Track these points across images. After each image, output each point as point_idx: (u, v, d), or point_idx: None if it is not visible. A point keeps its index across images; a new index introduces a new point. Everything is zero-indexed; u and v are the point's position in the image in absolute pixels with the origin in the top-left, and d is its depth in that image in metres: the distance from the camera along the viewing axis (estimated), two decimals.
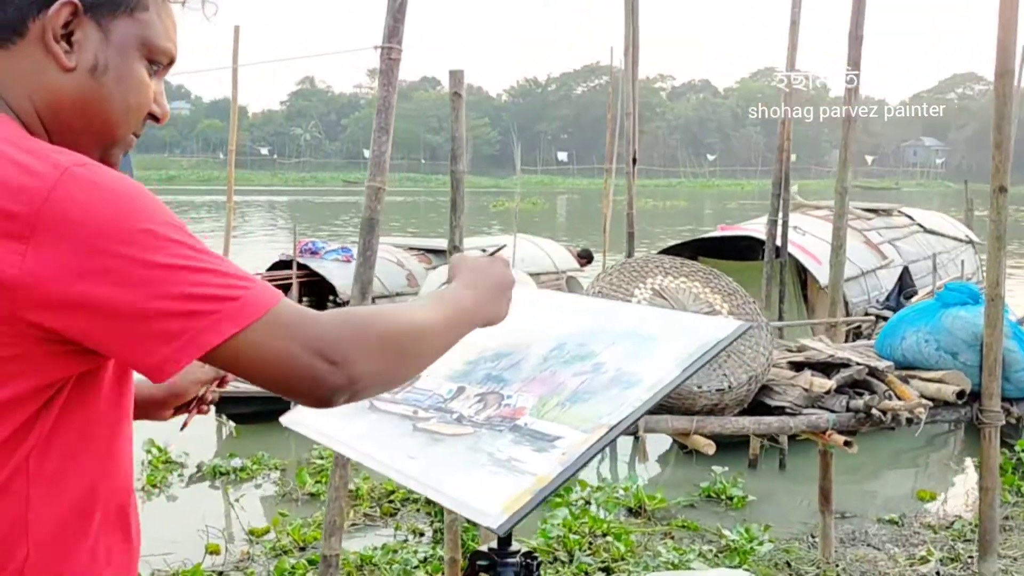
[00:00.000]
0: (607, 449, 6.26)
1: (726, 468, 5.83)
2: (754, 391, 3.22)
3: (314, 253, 8.08)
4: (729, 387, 3.10)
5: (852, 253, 7.06)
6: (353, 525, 5.23)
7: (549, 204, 45.00)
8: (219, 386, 1.40)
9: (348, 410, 1.29)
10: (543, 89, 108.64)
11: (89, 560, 0.99)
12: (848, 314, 6.53)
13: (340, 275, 7.42)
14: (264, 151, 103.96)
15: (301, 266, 7.94)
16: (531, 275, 9.18)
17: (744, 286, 7.24)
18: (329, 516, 2.92)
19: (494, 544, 1.25)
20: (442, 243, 9.15)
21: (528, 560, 1.24)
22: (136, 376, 1.42)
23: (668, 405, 3.10)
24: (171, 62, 1.09)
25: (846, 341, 5.35)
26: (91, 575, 0.99)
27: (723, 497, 5.61)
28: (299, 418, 1.35)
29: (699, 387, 3.07)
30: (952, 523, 5.23)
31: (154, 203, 0.93)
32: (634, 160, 6.87)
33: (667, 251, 7.30)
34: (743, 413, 3.25)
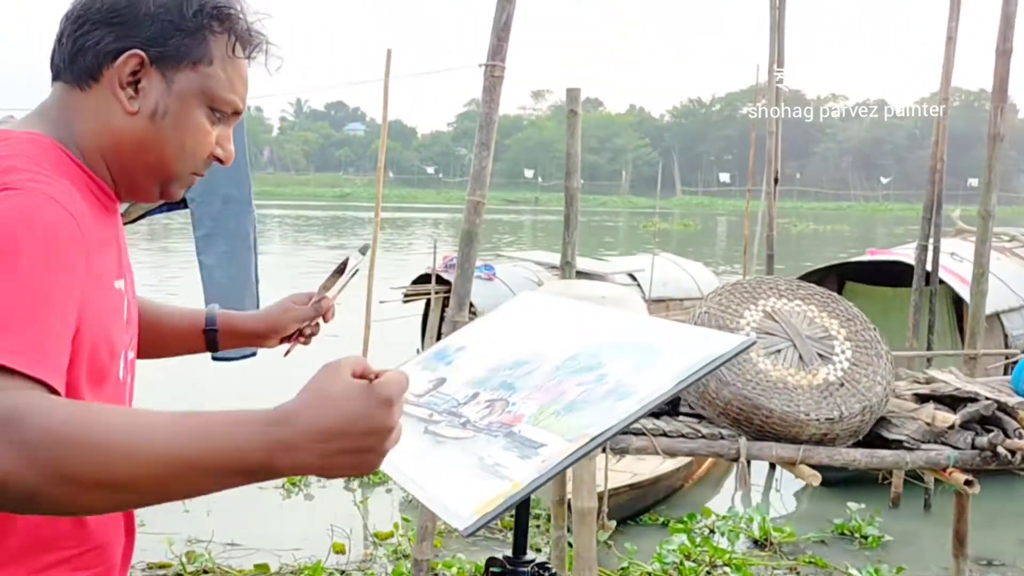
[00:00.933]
0: (742, 479, 6.07)
1: (863, 505, 5.54)
2: (870, 422, 3.05)
3: None
4: (840, 417, 2.95)
5: (1015, 281, 6.56)
6: (473, 534, 5.31)
7: (702, 226, 44.20)
8: (324, 320, 1.53)
9: None
10: (707, 109, 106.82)
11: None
12: (1007, 347, 6.06)
13: (480, 291, 7.57)
14: (430, 170, 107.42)
15: (443, 281, 8.15)
16: (674, 300, 9.05)
17: (894, 314, 6.89)
18: (422, 522, 2.99)
19: (509, 552, 1.26)
20: (587, 264, 9.16)
21: (540, 570, 1.24)
22: (237, 313, 1.55)
23: (773, 432, 2.99)
24: (236, 111, 1.19)
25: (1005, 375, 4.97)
26: None
27: (857, 535, 5.33)
28: None
29: (806, 415, 2.94)
30: None
31: (24, 249, 0.93)
32: (775, 180, 6.67)
33: (811, 275, 7.02)
34: (858, 445, 3.09)
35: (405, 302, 9.04)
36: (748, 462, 6.65)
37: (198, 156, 1.16)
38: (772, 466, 6.95)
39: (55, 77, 1.15)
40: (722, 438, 3.03)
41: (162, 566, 4.78)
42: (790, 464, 3.01)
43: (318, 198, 76.17)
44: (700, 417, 3.22)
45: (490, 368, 1.27)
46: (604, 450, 2.95)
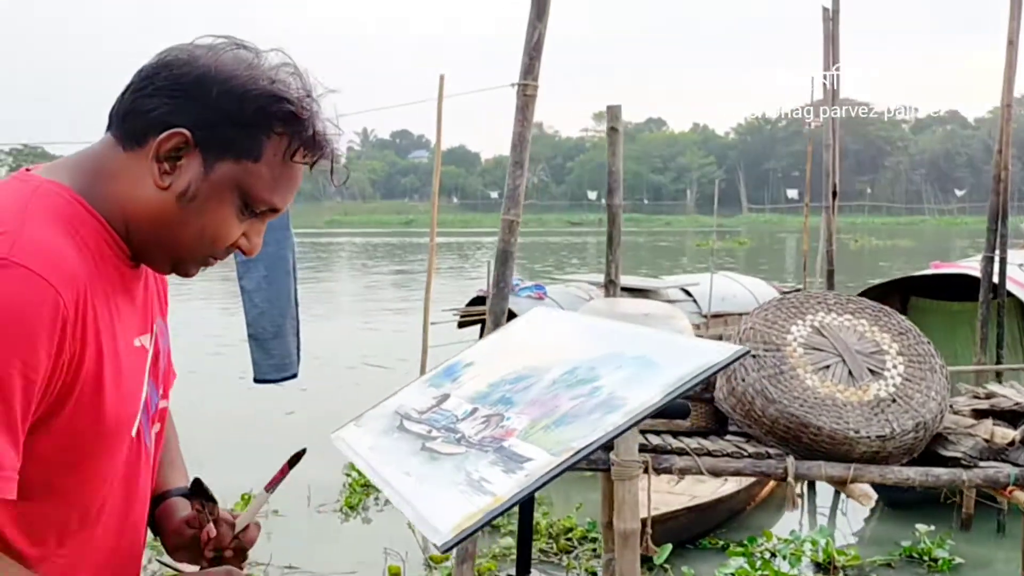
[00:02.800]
0: (791, 500, 5.93)
1: (932, 527, 5.33)
2: (924, 440, 2.94)
3: None
4: (892, 434, 2.85)
5: None
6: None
7: (758, 243, 43.38)
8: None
9: (380, 426, 1.34)
10: (773, 125, 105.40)
11: None
12: None
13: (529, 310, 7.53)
14: (494, 195, 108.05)
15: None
16: (732, 314, 8.89)
17: (961, 328, 6.66)
18: (462, 544, 2.97)
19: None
20: (635, 281, 9.09)
21: None
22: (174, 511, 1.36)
23: (822, 451, 2.91)
24: (275, 212, 1.15)
25: None
26: None
27: (926, 559, 5.13)
28: (341, 433, 1.41)
29: (856, 432, 2.85)
30: None
31: (15, 340, 0.94)
32: (834, 194, 6.54)
33: (872, 290, 6.84)
34: (913, 463, 2.98)
35: (460, 326, 9.07)
36: (811, 484, 6.51)
37: (216, 246, 1.13)
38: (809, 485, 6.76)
39: (108, 127, 1.13)
40: (769, 457, 2.95)
41: None
42: (840, 483, 2.92)
43: (384, 225, 77.19)
44: (748, 436, 3.15)
45: (492, 383, 1.26)
46: (647, 471, 2.90)
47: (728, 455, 2.96)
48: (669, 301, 8.71)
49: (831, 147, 6.28)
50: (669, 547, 4.98)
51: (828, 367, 3.03)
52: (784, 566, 4.90)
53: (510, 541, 5.42)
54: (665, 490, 6.01)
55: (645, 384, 1.07)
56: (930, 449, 3.00)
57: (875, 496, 2.82)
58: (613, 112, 3.57)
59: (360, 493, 6.44)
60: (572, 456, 0.99)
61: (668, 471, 2.94)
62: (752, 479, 6.18)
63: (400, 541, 5.57)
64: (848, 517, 6.37)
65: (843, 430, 2.85)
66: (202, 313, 16.35)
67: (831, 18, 6.19)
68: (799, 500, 6.23)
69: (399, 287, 23.56)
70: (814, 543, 5.18)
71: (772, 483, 6.49)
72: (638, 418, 1.02)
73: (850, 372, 3.02)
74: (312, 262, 34.17)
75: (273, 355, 3.69)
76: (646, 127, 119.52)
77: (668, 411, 1.45)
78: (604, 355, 1.20)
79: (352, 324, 16.47)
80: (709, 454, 2.97)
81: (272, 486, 1.25)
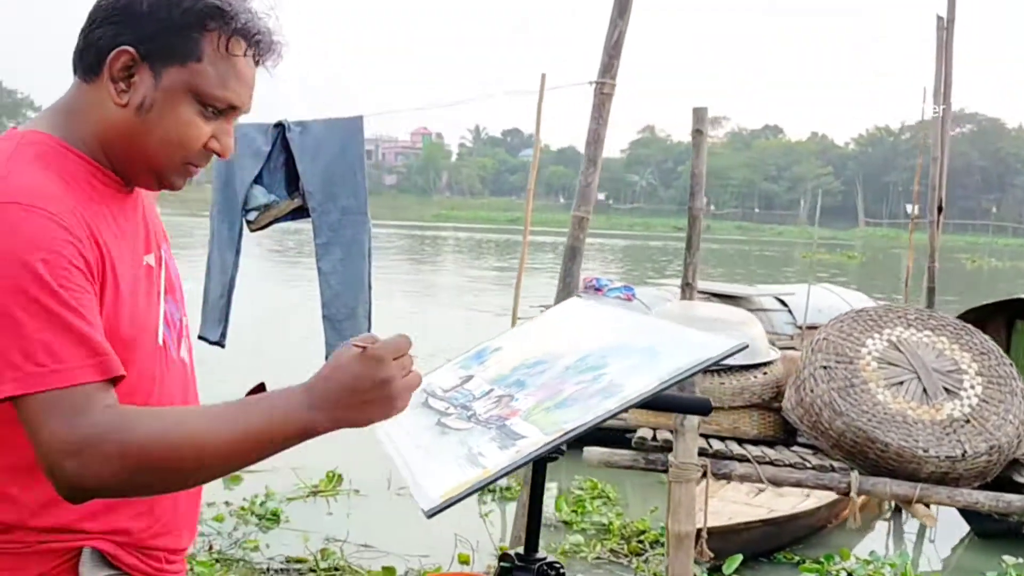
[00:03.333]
0: (854, 515, 5.78)
1: (1021, 560, 5.10)
2: (999, 464, 2.84)
3: (597, 290, 8.31)
4: (963, 455, 2.77)
5: None
6: (598, 559, 5.28)
7: (869, 257, 41.81)
8: None
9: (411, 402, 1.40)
10: (895, 137, 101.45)
11: None
12: None
13: None
14: (601, 196, 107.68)
15: None
16: None
17: None
18: (515, 531, 3.02)
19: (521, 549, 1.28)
20: (728, 287, 8.94)
21: (548, 568, 1.26)
22: None
23: (888, 468, 2.84)
24: (233, 107, 1.22)
25: None
26: None
27: None
28: None
29: (925, 451, 2.78)
30: None
31: (37, 256, 1.05)
32: (939, 209, 6.30)
33: (975, 311, 6.55)
34: (986, 487, 2.88)
35: None
36: (898, 507, 6.28)
37: (187, 148, 1.20)
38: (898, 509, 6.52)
39: (73, 72, 1.23)
40: (833, 470, 2.91)
41: (299, 560, 5.03)
42: (906, 502, 2.85)
43: (491, 222, 77.90)
44: (816, 449, 3.11)
45: (514, 367, 1.31)
46: (706, 476, 2.89)
47: (790, 466, 2.92)
48: (762, 310, 8.55)
49: (938, 160, 6.06)
50: (739, 557, 4.92)
51: (902, 383, 2.96)
52: None
53: (580, 539, 5.45)
54: (743, 501, 5.93)
55: (644, 373, 1.10)
56: (1005, 475, 2.90)
57: (935, 517, 2.73)
58: (699, 115, 3.56)
59: None
60: (562, 436, 1.03)
61: (727, 477, 2.92)
62: (835, 496, 6.05)
63: (472, 530, 5.67)
64: (935, 544, 6.13)
65: (911, 448, 2.78)
66: (286, 294, 16.85)
67: (945, 27, 5.97)
68: (858, 518, 6.02)
69: (497, 283, 23.77)
70: (893, 566, 5.03)
71: (858, 502, 6.33)
72: (628, 404, 1.05)
73: (924, 389, 2.94)
74: (416, 254, 34.80)
75: (345, 335, 3.85)
76: (762, 134, 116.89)
77: (687, 406, 1.47)
78: (616, 345, 1.23)
79: (438, 313, 16.71)
80: (771, 463, 2.94)
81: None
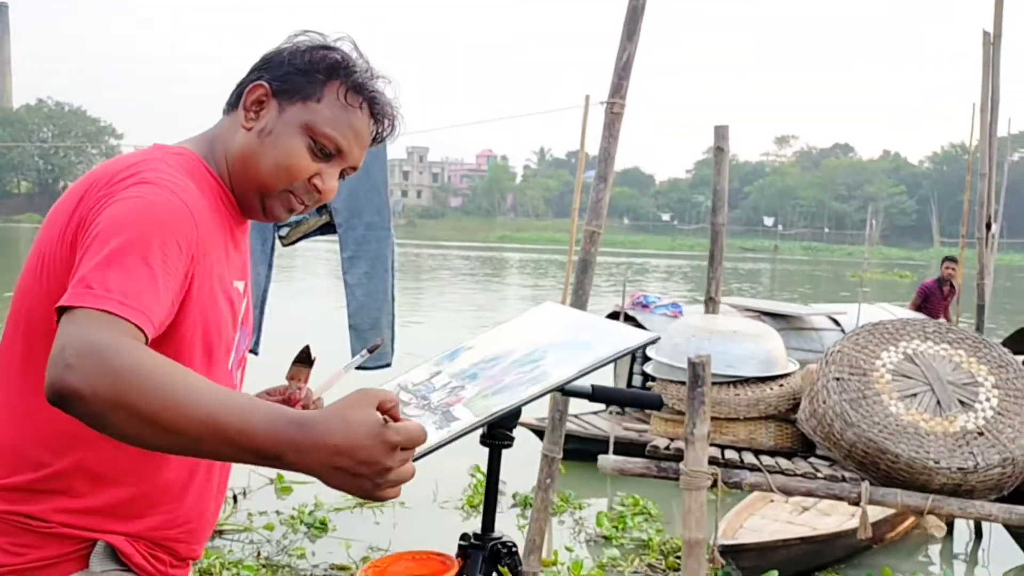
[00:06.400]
0: (863, 525, 5.77)
1: None
2: (1014, 477, 2.84)
3: (644, 307, 8.35)
4: (975, 467, 2.77)
5: None
6: (635, 573, 5.31)
7: (925, 276, 40.70)
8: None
9: None
10: (972, 155, 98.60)
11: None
12: None
13: (664, 329, 7.52)
14: (665, 217, 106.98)
15: (629, 318, 8.25)
16: None
17: None
18: (529, 535, 3.11)
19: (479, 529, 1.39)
20: (778, 306, 8.88)
21: (502, 547, 1.36)
22: None
23: (900, 479, 2.86)
24: (340, 151, 1.37)
25: None
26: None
27: None
28: None
29: (936, 463, 2.79)
30: None
31: (148, 222, 1.17)
32: (988, 226, 6.22)
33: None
34: (1004, 501, 2.88)
35: None
36: (949, 528, 6.21)
37: (292, 174, 1.35)
38: (978, 535, 6.38)
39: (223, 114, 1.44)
40: (844, 480, 2.93)
41: (342, 567, 5.18)
42: (917, 514, 2.86)
43: (555, 242, 78.02)
44: (832, 460, 3.13)
45: (473, 363, 1.42)
46: (716, 484, 2.95)
47: (801, 475, 2.96)
48: (813, 329, 8.48)
49: (986, 176, 5.99)
50: (774, 574, 4.91)
51: (915, 395, 2.98)
52: None
53: (616, 552, 5.50)
54: (786, 519, 5.89)
55: (570, 363, 1.20)
56: (1022, 489, 2.89)
57: (946, 528, 2.72)
58: (720, 132, 3.63)
59: (483, 494, 6.66)
60: (487, 417, 1.13)
61: (738, 486, 2.97)
62: (882, 516, 5.96)
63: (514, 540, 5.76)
64: (989, 569, 6.00)
65: (922, 459, 2.80)
66: (317, 304, 17.23)
67: (991, 43, 5.91)
68: (868, 527, 5.92)
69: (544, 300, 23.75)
70: None
71: (907, 523, 6.22)
72: (549, 389, 1.15)
73: (938, 402, 2.95)
74: (477, 275, 35.06)
75: (368, 344, 4.00)
76: (831, 152, 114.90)
77: (640, 401, 1.55)
78: (561, 341, 1.33)
79: (475, 325, 16.85)
80: (782, 472, 2.98)
81: (350, 367, 1.43)
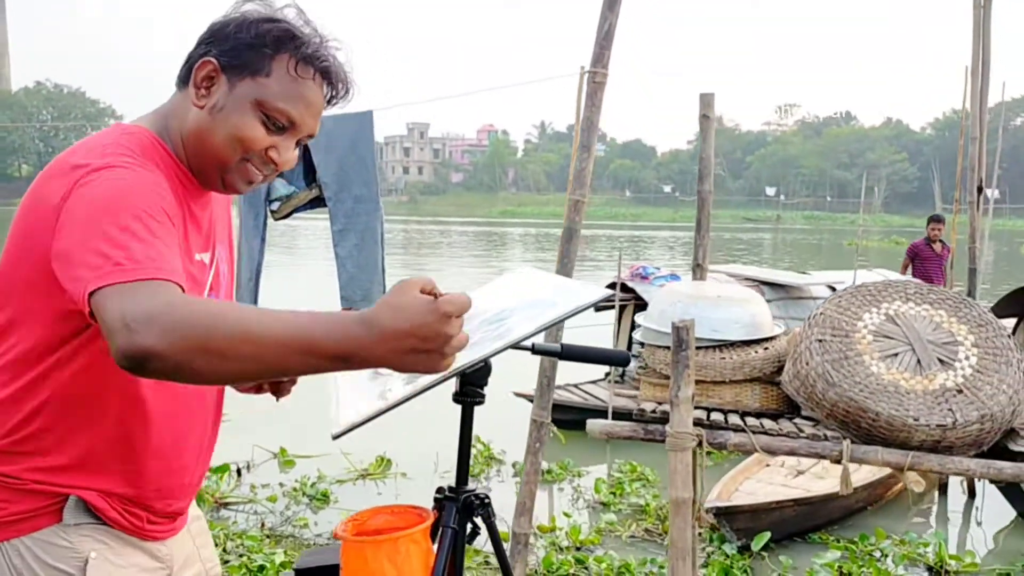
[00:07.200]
0: (844, 482, 5.87)
1: None
2: (992, 433, 2.90)
3: (644, 278, 8.41)
4: (953, 424, 2.83)
5: None
6: (632, 537, 5.41)
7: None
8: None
9: None
10: (964, 119, 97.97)
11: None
12: None
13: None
14: (667, 189, 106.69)
15: (628, 289, 8.31)
16: None
17: None
18: (520, 498, 3.18)
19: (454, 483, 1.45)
20: (779, 275, 8.93)
21: (475, 499, 1.42)
22: None
23: (880, 437, 2.93)
24: (292, 123, 1.39)
25: None
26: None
27: None
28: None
29: (915, 420, 2.85)
30: None
31: (131, 198, 1.22)
32: (979, 190, 6.26)
33: (1015, 293, 6.46)
34: (983, 457, 2.94)
35: (597, 310, 9.31)
36: (942, 489, 6.30)
37: (246, 146, 1.37)
38: (971, 495, 6.47)
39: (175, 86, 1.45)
40: (826, 439, 3.00)
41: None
42: (898, 470, 2.93)
43: (557, 216, 77.86)
44: (816, 421, 3.20)
45: None
46: (701, 445, 3.01)
47: (784, 435, 3.03)
48: (811, 297, 8.54)
49: (976, 140, 6.01)
50: (767, 535, 5.00)
51: (896, 355, 3.04)
52: (891, 566, 4.81)
53: (613, 517, 5.59)
54: (780, 483, 5.99)
55: (532, 321, 1.25)
56: (1002, 444, 2.95)
57: (925, 484, 2.78)
58: (705, 100, 3.67)
59: (483, 464, 6.77)
60: (452, 372, 1.19)
61: (723, 446, 3.04)
62: (876, 477, 6.05)
63: (508, 509, 5.86)
64: (983, 528, 6.10)
65: (901, 417, 2.86)
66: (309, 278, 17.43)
67: (982, 5, 5.91)
68: (850, 482, 6.01)
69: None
70: (926, 545, 5.04)
71: (899, 485, 6.30)
72: (508, 345, 1.20)
73: (918, 361, 3.01)
74: (481, 249, 35.10)
75: None
76: (833, 121, 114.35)
77: (607, 358, 1.61)
78: (529, 301, 1.38)
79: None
80: (765, 432, 3.05)
81: None
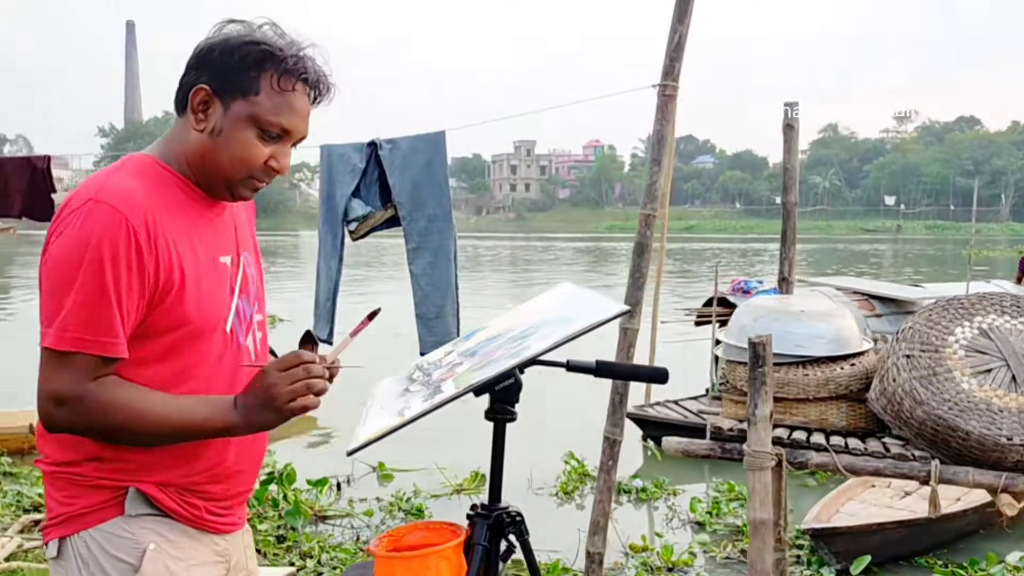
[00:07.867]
0: (932, 503, 5.56)
1: None
2: None
3: (745, 292, 8.22)
4: None
5: None
6: (727, 558, 5.28)
7: None
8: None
9: (404, 374, 1.61)
10: None
11: None
12: None
13: None
14: (779, 200, 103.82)
15: (728, 304, 8.15)
16: None
17: None
18: (593, 517, 3.15)
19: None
20: (889, 289, 8.58)
21: (507, 516, 1.42)
22: None
23: (971, 457, 2.78)
24: (286, 132, 1.52)
25: None
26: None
27: None
28: (381, 381, 1.68)
29: (1009, 439, 2.70)
30: None
31: (101, 252, 1.38)
32: None
33: None
34: None
35: (696, 324, 9.19)
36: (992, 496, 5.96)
37: (249, 164, 1.50)
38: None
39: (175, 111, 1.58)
40: (913, 459, 2.87)
41: None
42: (992, 492, 2.77)
43: (669, 231, 77.09)
44: (905, 440, 3.06)
45: (479, 342, 1.49)
46: (780, 465, 2.92)
47: (868, 454, 2.91)
48: None
49: None
50: (867, 558, 4.80)
51: (989, 371, 2.88)
52: None
53: (706, 538, 5.47)
54: (886, 504, 5.74)
55: (550, 338, 1.25)
56: None
57: (1017, 506, 2.62)
58: (791, 108, 3.58)
59: (576, 480, 6.74)
60: (466, 389, 1.20)
61: (803, 466, 2.95)
62: (989, 499, 5.71)
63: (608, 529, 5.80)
64: None
65: (993, 436, 2.72)
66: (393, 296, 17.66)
67: None
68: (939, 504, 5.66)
69: (666, 291, 23.56)
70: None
71: (1019, 507, 5.95)
72: (522, 362, 1.20)
73: (1013, 377, 2.85)
74: (583, 265, 35.01)
75: (435, 332, 4.19)
76: (956, 127, 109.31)
77: (643, 374, 1.58)
78: (554, 317, 1.38)
79: None
80: (849, 452, 2.94)
81: (355, 333, 1.53)
